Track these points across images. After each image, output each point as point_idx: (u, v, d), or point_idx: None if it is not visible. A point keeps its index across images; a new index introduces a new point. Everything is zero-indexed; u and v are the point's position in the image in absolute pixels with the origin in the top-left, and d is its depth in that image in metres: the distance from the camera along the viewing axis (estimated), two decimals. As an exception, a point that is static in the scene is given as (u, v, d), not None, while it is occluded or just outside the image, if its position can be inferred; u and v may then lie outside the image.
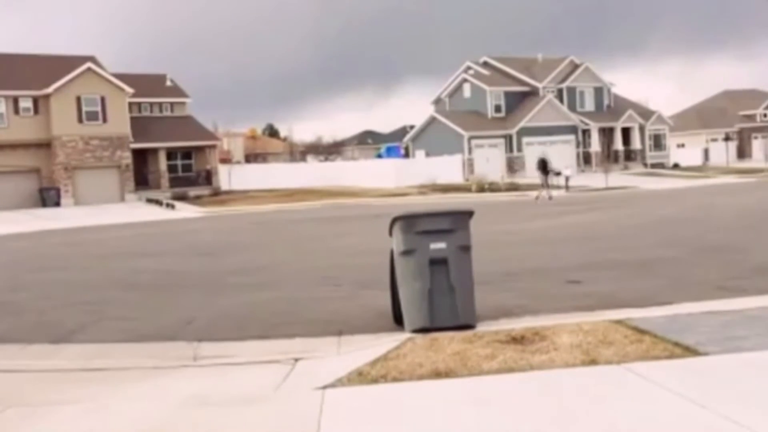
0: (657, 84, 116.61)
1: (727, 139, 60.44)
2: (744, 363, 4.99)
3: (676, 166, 54.55)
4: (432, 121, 50.72)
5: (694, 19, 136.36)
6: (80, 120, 39.92)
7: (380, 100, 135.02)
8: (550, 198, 29.31)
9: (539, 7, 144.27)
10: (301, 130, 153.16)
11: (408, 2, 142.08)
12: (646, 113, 54.76)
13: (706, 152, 63.04)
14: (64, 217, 31.39)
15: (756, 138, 67.78)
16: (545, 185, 30.44)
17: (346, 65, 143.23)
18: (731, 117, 68.62)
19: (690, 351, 5.31)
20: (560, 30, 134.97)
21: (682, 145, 65.40)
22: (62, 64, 39.57)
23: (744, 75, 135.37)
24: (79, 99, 39.70)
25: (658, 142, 55.17)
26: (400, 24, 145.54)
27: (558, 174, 36.06)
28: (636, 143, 53.26)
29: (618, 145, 52.09)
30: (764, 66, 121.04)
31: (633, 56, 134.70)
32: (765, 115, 69.16)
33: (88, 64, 40.05)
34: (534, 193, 31.09)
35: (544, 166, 30.63)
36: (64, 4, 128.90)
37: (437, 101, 55.11)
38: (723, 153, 58.98)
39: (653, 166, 52.71)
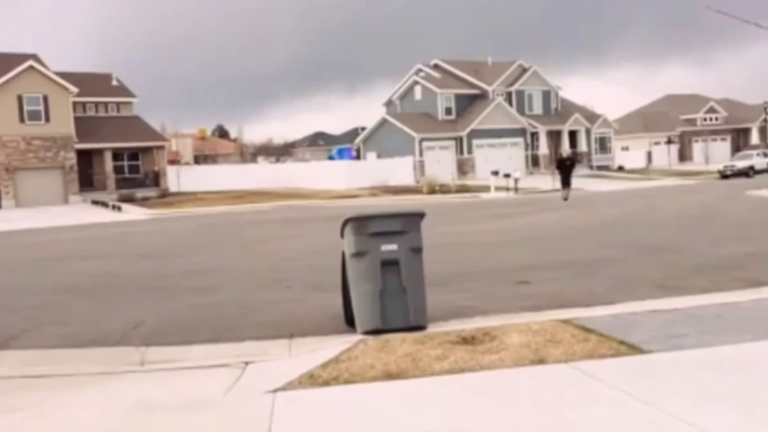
0: (612, 89, 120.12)
1: (669, 142, 62.22)
2: (686, 360, 5.15)
3: (621, 168, 55.92)
4: (383, 123, 50.87)
5: (653, 27, 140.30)
6: (22, 119, 38.75)
7: (343, 102, 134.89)
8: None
9: (511, 10, 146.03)
10: (252, 131, 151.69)
11: (380, 6, 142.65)
12: (592, 117, 56.02)
13: (649, 155, 64.79)
14: (5, 219, 30.39)
15: (696, 141, 69.96)
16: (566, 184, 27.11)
17: (312, 67, 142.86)
18: (673, 121, 70.66)
19: (634, 349, 5.45)
20: (525, 35, 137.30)
21: (627, 148, 67.06)
22: (3, 62, 38.34)
23: (695, 82, 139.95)
24: (20, 98, 38.54)
25: (603, 145, 56.50)
26: (370, 27, 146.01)
27: (507, 176, 36.65)
28: (582, 146, 54.42)
29: (565, 147, 53.14)
30: (712, 74, 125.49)
31: (592, 62, 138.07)
32: (705, 120, 71.43)
33: (30, 62, 38.90)
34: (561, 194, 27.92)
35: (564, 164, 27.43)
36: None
37: (389, 103, 55.32)
38: (665, 156, 60.70)
39: (599, 168, 53.93)
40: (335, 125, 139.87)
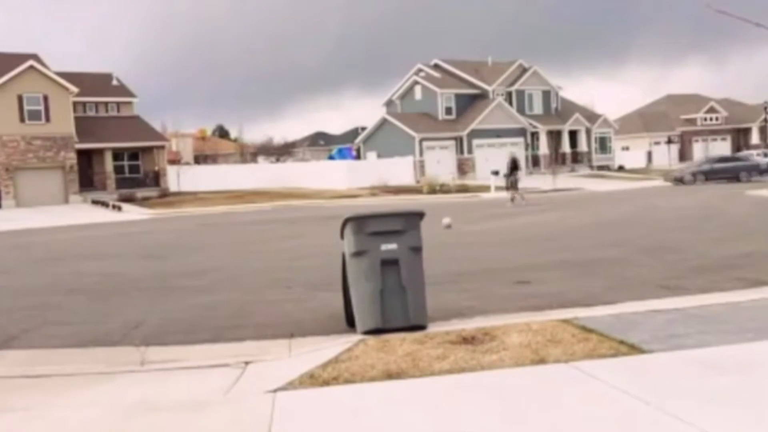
0: (628, 90, 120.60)
1: (669, 142, 62.22)
2: (686, 360, 5.15)
3: (621, 168, 55.90)
4: (383, 122, 50.85)
5: (669, 29, 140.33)
6: (22, 119, 38.73)
7: (356, 101, 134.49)
8: (523, 199, 26.67)
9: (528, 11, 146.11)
10: (255, 130, 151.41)
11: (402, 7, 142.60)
12: (592, 117, 55.99)
13: (649, 155, 64.78)
14: (6, 219, 30.39)
15: (697, 141, 69.98)
16: (512, 187, 27.31)
17: (326, 67, 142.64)
18: (673, 121, 70.65)
19: (635, 349, 5.45)
20: (542, 36, 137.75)
21: (627, 148, 67.04)
22: (3, 62, 38.33)
23: (707, 83, 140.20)
24: (20, 97, 38.51)
25: (603, 145, 56.49)
26: (387, 26, 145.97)
27: (502, 174, 36.54)
28: (583, 146, 54.39)
29: (565, 147, 53.14)
30: (725, 75, 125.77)
31: (612, 62, 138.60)
32: (705, 119, 71.41)
33: (30, 62, 38.88)
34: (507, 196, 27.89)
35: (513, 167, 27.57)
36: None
37: (389, 103, 55.28)
38: (666, 156, 60.69)
39: (599, 168, 53.91)
40: (343, 125, 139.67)
